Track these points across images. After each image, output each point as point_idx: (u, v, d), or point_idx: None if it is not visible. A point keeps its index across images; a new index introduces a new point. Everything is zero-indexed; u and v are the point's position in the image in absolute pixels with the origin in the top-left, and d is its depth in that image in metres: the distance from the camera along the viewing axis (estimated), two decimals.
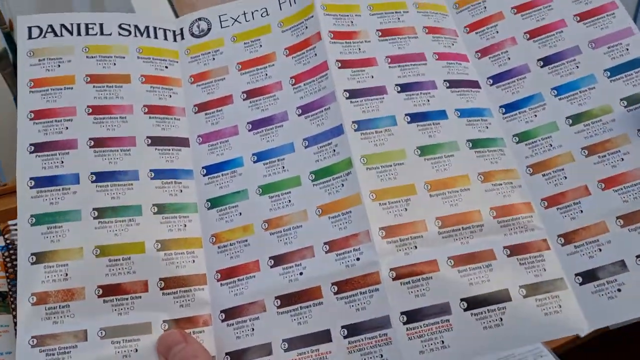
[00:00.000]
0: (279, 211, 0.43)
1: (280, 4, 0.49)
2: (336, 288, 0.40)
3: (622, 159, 0.42)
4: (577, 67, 0.46)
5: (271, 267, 0.41)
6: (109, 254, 0.41)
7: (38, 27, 0.47)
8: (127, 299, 0.40)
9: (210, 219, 0.43)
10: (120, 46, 0.48)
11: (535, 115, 0.46)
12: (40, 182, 0.42)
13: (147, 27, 0.49)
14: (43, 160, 0.43)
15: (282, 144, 0.45)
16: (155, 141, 0.45)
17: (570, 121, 0.45)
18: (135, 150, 0.44)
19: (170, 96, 0.47)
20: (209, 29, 0.50)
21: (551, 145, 0.44)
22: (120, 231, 0.42)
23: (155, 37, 0.49)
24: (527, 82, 0.47)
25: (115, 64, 0.47)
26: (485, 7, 0.51)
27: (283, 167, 0.44)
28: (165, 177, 0.44)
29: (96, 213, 0.42)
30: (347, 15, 0.49)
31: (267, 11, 0.49)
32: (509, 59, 0.48)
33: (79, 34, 0.48)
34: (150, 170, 0.44)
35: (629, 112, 0.44)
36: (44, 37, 0.47)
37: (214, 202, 0.44)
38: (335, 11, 0.48)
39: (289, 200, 0.43)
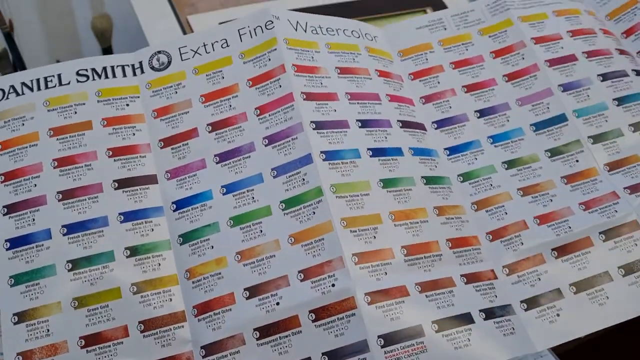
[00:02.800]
0: (251, 242, 0.43)
1: (240, 35, 0.49)
2: (314, 316, 0.41)
3: (551, 200, 0.48)
4: (508, 120, 0.52)
5: (247, 298, 0.42)
6: (87, 304, 0.41)
7: (1, 89, 0.47)
8: (109, 346, 0.40)
9: (183, 255, 0.44)
10: (79, 94, 0.48)
11: (476, 159, 0.51)
12: (15, 243, 0.42)
13: (104, 68, 0.49)
14: (15, 221, 0.43)
15: (251, 174, 0.45)
16: (122, 183, 0.45)
17: (506, 165, 0.50)
18: (103, 196, 0.44)
19: (134, 134, 0.47)
20: (169, 62, 0.50)
21: (491, 185, 0.49)
22: (96, 280, 0.42)
23: (114, 76, 0.49)
24: (466, 129, 0.52)
25: (76, 112, 0.47)
26: (426, 59, 0.55)
27: (253, 198, 0.45)
28: (135, 218, 0.44)
29: (70, 265, 0.42)
30: (308, 51, 0.50)
31: (227, 42, 0.49)
32: (450, 107, 0.53)
33: (39, 88, 0.48)
34: (120, 214, 0.44)
35: (552, 162, 0.50)
36: (7, 98, 0.47)
37: (186, 237, 0.44)
38: (297, 46, 0.49)
39: (261, 230, 0.44)
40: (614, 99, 0.52)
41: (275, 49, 0.48)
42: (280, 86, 0.47)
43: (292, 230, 0.43)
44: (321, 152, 0.45)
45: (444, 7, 0.72)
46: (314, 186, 0.44)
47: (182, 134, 0.47)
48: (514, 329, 0.42)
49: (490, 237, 0.47)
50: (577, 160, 0.49)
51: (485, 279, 0.44)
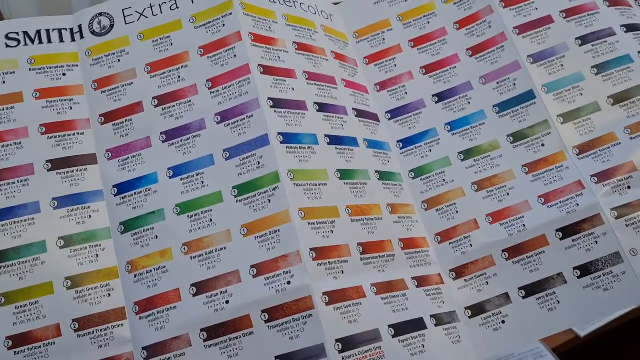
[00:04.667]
0: (199, 232, 0.39)
1: None
2: (267, 316, 0.37)
3: (508, 194, 0.44)
4: (469, 102, 0.47)
5: (194, 295, 0.38)
6: (15, 301, 0.37)
7: None
8: (39, 347, 0.36)
9: (124, 245, 0.39)
10: (9, 60, 0.42)
11: (430, 150, 0.46)
12: None
13: (38, 32, 0.43)
14: None
15: (201, 156, 0.41)
16: (57, 164, 0.40)
17: (462, 156, 0.46)
18: (34, 179, 0.39)
19: (71, 108, 0.42)
20: (111, 26, 0.44)
21: (444, 180, 0.45)
22: (25, 274, 0.37)
23: (49, 41, 0.43)
24: (422, 117, 0.47)
25: (4, 82, 0.42)
26: (384, 39, 0.50)
27: (202, 182, 0.40)
28: (71, 203, 0.39)
29: None
30: (266, 20, 0.44)
31: (176, 4, 0.44)
32: (406, 93, 0.48)
33: None
34: (53, 199, 0.39)
35: (514, 149, 0.45)
36: None
37: (128, 225, 0.40)
38: (254, 12, 0.44)
39: (210, 220, 0.39)
40: (592, 67, 0.46)
41: (231, 14, 0.43)
42: (235, 56, 0.42)
43: (245, 220, 0.39)
44: (279, 133, 0.40)
45: None
46: (270, 171, 0.39)
47: (125, 108, 0.42)
48: (459, 337, 0.40)
49: (439, 238, 0.44)
50: (542, 145, 0.44)
51: (434, 283, 0.42)
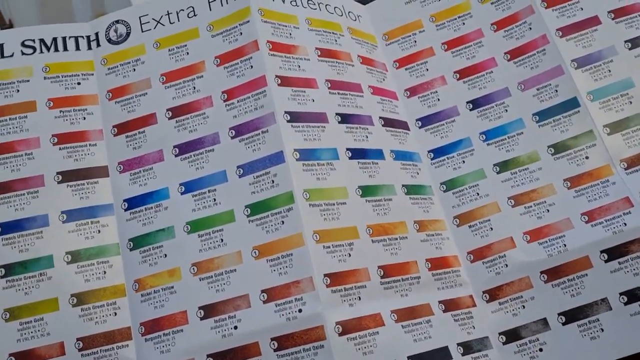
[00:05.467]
0: (209, 252, 0.37)
1: (209, 2, 0.42)
2: (276, 344, 0.35)
3: (548, 210, 0.40)
4: (506, 110, 0.43)
5: (201, 319, 0.36)
6: (20, 317, 0.36)
7: None
8: None
9: (132, 262, 0.38)
10: (24, 68, 0.41)
11: (463, 162, 0.43)
12: None
13: (54, 40, 0.42)
14: None
15: (214, 171, 0.39)
16: (67, 176, 0.39)
17: (498, 168, 0.42)
18: (44, 191, 0.38)
19: (85, 118, 0.41)
20: (128, 34, 0.43)
21: (478, 194, 0.42)
22: (31, 289, 0.36)
23: (65, 48, 0.42)
24: (455, 125, 0.44)
25: (18, 90, 0.41)
26: (415, 42, 0.47)
27: (214, 200, 0.38)
28: (80, 217, 0.38)
29: (3, 271, 0.37)
30: (286, 26, 0.42)
31: (194, 11, 0.42)
32: (439, 99, 0.45)
33: None
34: (62, 212, 0.38)
35: (555, 161, 0.41)
36: None
37: (137, 242, 0.38)
38: (273, 19, 0.42)
39: (221, 239, 0.38)
40: None
41: (248, 21, 0.41)
42: (252, 67, 0.40)
43: (257, 242, 0.37)
44: (295, 150, 0.38)
45: None
46: (284, 190, 0.37)
47: (139, 119, 0.41)
48: None
49: (472, 257, 0.40)
50: (586, 157, 0.40)
51: (464, 307, 0.39)
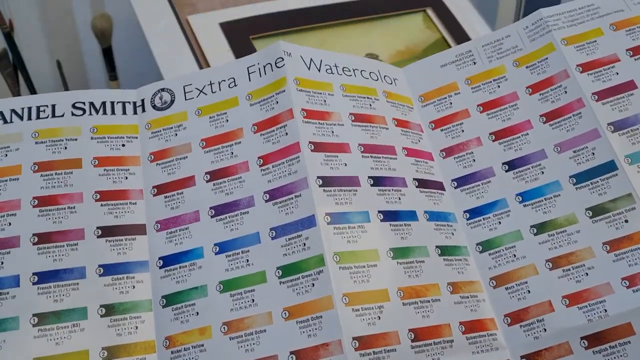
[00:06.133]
0: (240, 312, 0.38)
1: (249, 74, 0.45)
2: None
3: (587, 274, 0.40)
4: (543, 172, 0.44)
5: None
6: None
7: None
8: None
9: (164, 319, 0.39)
10: (73, 128, 0.44)
11: (500, 222, 0.43)
12: None
13: (103, 103, 0.45)
14: None
15: (247, 233, 0.40)
16: (107, 231, 0.40)
17: (535, 230, 0.42)
18: (84, 244, 0.40)
19: (127, 178, 0.43)
20: (172, 101, 0.46)
21: (515, 256, 0.42)
22: (62, 339, 0.37)
23: (113, 112, 0.45)
24: (491, 186, 0.45)
25: (66, 147, 0.43)
26: (451, 103, 0.48)
27: (247, 261, 0.40)
28: (116, 272, 0.39)
29: (36, 319, 0.37)
30: (321, 93, 0.45)
31: (235, 82, 0.45)
32: (474, 160, 0.46)
33: (29, 118, 0.44)
34: (100, 266, 0.39)
35: (594, 224, 0.41)
36: None
37: (170, 299, 0.39)
38: (308, 87, 0.44)
39: (253, 300, 0.38)
40: None
41: (284, 91, 0.43)
42: (287, 134, 0.42)
43: (287, 303, 0.38)
44: (326, 214, 0.40)
45: (443, 8, 0.67)
46: (315, 253, 0.38)
47: (178, 181, 0.43)
48: None
49: (509, 320, 0.40)
50: (626, 221, 0.40)
51: None
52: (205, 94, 0.45)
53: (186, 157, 0.43)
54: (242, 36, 0.65)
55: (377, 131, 0.45)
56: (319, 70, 0.46)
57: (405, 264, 0.40)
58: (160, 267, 0.40)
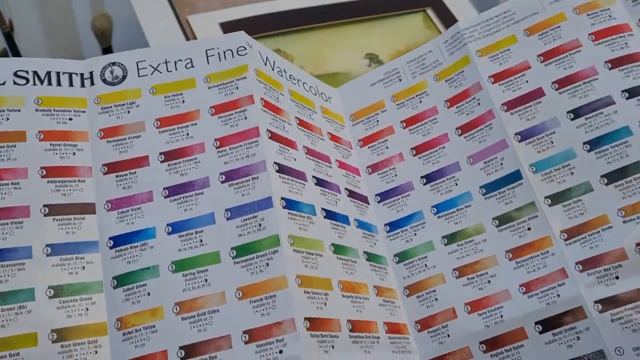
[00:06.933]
0: (193, 292, 0.38)
1: (207, 57, 0.44)
2: None
3: (489, 282, 0.43)
4: (456, 184, 0.46)
5: (182, 359, 0.37)
6: None
7: None
8: None
9: (116, 300, 0.38)
10: (15, 97, 0.42)
11: (415, 234, 0.46)
12: None
13: (48, 73, 0.43)
14: None
15: (202, 214, 0.40)
16: (54, 210, 0.39)
17: (446, 240, 0.45)
18: (29, 222, 0.38)
19: (75, 154, 0.41)
20: (124, 76, 0.44)
21: (426, 266, 0.45)
22: (8, 322, 0.36)
23: (59, 83, 0.43)
24: (410, 199, 0.47)
25: (8, 119, 0.41)
26: (377, 121, 0.51)
27: (201, 241, 0.40)
28: (65, 252, 0.38)
29: None
30: (274, 90, 0.45)
31: (192, 63, 0.44)
32: (396, 175, 0.48)
33: None
34: (47, 245, 0.38)
35: (499, 233, 0.44)
36: None
37: (121, 280, 0.39)
38: (265, 81, 0.45)
39: (206, 280, 0.39)
40: (584, 143, 0.43)
41: (245, 78, 0.43)
42: (246, 118, 0.42)
43: (241, 283, 0.38)
44: (282, 198, 0.40)
45: (443, 8, 0.69)
46: (271, 234, 0.39)
47: (131, 160, 0.42)
48: None
49: (419, 326, 0.43)
50: (528, 229, 0.43)
51: None
52: (160, 72, 0.44)
53: (139, 136, 0.43)
54: None
55: (315, 140, 0.47)
56: (273, 69, 0.46)
57: (343, 261, 0.42)
58: (111, 248, 0.40)
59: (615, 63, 0.45)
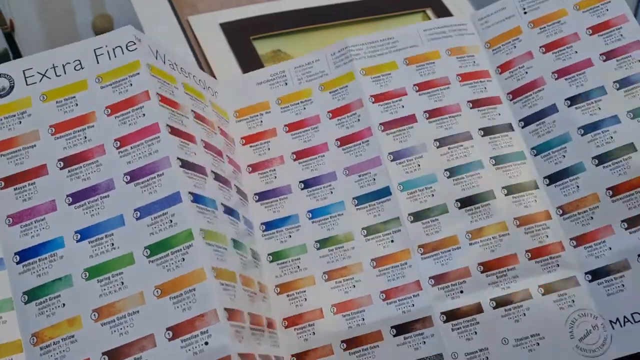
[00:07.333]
0: (110, 297, 0.38)
1: (97, 56, 0.43)
2: None
3: (354, 286, 0.46)
4: (332, 192, 0.49)
5: None
6: None
7: None
8: None
9: (28, 316, 0.37)
10: None
11: (290, 236, 0.48)
12: None
13: None
14: None
15: (110, 217, 0.39)
16: None
17: (318, 245, 0.48)
18: None
19: None
20: (11, 87, 0.42)
21: (299, 267, 0.47)
22: None
23: None
24: (287, 202, 0.49)
25: None
26: (261, 121, 0.52)
27: (112, 244, 0.39)
28: None
29: None
30: (169, 84, 0.45)
31: (81, 64, 0.43)
32: (276, 177, 0.50)
33: None
34: None
35: (366, 242, 0.47)
36: None
37: (32, 294, 0.38)
38: (159, 75, 0.44)
39: (122, 282, 0.38)
40: (445, 170, 0.48)
41: (138, 74, 0.42)
42: (145, 115, 0.41)
43: (158, 281, 0.38)
44: (189, 192, 0.40)
45: (444, 8, 0.70)
46: (183, 228, 0.39)
47: (28, 171, 0.40)
48: None
49: (286, 323, 0.45)
50: (392, 241, 0.47)
51: None
52: (49, 78, 0.43)
53: (34, 145, 0.41)
54: (242, 36, 0.64)
55: (210, 133, 0.47)
56: (164, 63, 0.45)
57: (241, 256, 0.43)
58: (18, 263, 0.38)
59: (475, 104, 0.51)
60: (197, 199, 0.40)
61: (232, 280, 0.40)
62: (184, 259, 0.38)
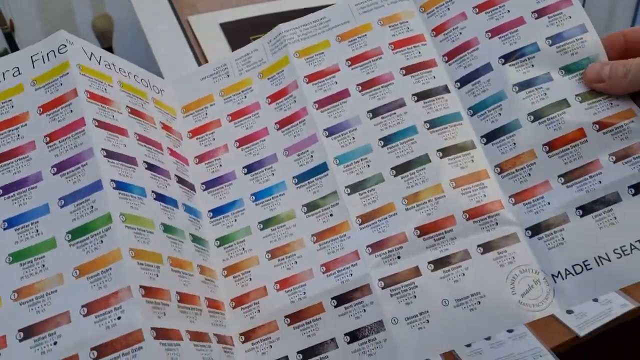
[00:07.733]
0: (30, 278, 0.39)
1: (33, 62, 0.47)
2: (96, 353, 0.37)
3: (296, 262, 0.47)
4: (273, 174, 0.50)
5: (20, 340, 0.38)
6: None
7: None
8: None
9: None
10: None
11: (235, 220, 0.49)
12: None
13: None
14: None
15: (36, 206, 0.42)
16: None
17: (262, 226, 0.49)
18: None
19: None
20: None
21: (244, 249, 0.48)
22: None
23: None
24: (232, 188, 0.50)
25: None
26: (206, 114, 0.53)
27: (37, 231, 0.41)
28: None
29: None
30: (102, 82, 0.47)
31: (19, 70, 0.46)
32: (221, 165, 0.51)
33: None
34: None
35: (307, 219, 0.48)
36: None
37: None
38: (90, 74, 0.46)
39: (43, 265, 0.40)
40: (380, 139, 0.48)
41: (68, 73, 0.45)
42: (72, 111, 0.44)
43: (77, 262, 0.40)
44: (112, 180, 0.42)
45: None
46: (103, 213, 0.41)
47: None
48: None
49: (234, 304, 0.46)
50: (331, 215, 0.47)
51: (228, 344, 0.44)
52: None
53: None
54: (242, 36, 0.64)
55: (148, 127, 0.49)
56: (99, 64, 0.48)
57: (172, 239, 0.44)
58: None
59: (408, 70, 0.51)
60: (120, 186, 0.42)
61: (155, 261, 0.41)
62: (102, 241, 0.40)
